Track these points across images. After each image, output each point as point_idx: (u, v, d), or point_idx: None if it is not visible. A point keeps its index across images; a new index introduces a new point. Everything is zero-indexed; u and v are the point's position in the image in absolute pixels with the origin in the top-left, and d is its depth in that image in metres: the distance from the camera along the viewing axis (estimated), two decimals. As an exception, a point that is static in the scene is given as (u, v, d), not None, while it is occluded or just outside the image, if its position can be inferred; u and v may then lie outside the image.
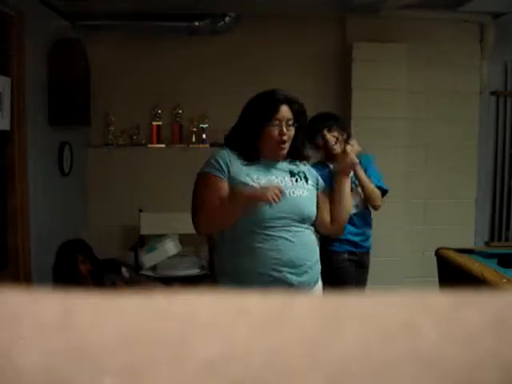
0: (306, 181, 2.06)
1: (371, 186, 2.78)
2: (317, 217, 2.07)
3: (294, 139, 2.04)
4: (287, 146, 2.02)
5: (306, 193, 2.02)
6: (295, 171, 2.06)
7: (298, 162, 2.12)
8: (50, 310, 0.22)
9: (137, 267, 3.75)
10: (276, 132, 1.98)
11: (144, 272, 3.70)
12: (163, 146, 4.17)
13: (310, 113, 4.47)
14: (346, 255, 2.78)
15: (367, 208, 2.99)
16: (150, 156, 4.20)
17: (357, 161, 2.22)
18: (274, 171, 2.01)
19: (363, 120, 4.03)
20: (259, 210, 1.90)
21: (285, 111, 2.01)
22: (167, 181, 4.14)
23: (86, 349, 0.21)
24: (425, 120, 4.20)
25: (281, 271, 1.90)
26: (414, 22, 4.11)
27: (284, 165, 2.07)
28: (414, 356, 0.21)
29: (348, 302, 0.25)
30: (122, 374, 0.20)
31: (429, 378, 0.20)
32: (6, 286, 0.24)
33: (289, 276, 1.90)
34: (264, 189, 1.87)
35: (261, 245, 1.90)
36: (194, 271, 3.77)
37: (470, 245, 3.79)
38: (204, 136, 4.18)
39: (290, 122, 2.01)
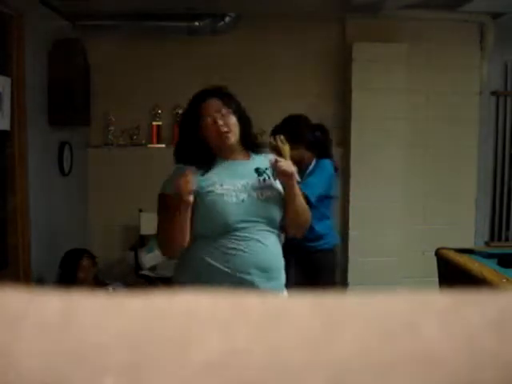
0: (275, 179, 1.96)
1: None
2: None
3: (241, 130, 1.96)
4: (232, 135, 1.92)
5: (274, 193, 1.94)
6: (262, 168, 1.96)
7: (262, 156, 2.02)
8: (50, 309, 0.22)
9: (137, 267, 3.75)
10: (211, 126, 1.91)
11: (144, 272, 3.71)
12: (163, 145, 4.17)
13: (311, 113, 4.48)
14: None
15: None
16: (150, 156, 4.20)
17: (289, 171, 1.92)
18: (239, 172, 1.93)
19: (363, 120, 4.03)
20: (229, 213, 1.84)
21: (212, 104, 1.93)
22: (167, 181, 4.14)
23: (87, 349, 0.21)
24: (425, 120, 4.20)
25: (250, 274, 1.84)
26: (414, 22, 4.11)
27: (249, 162, 1.98)
28: (414, 356, 0.21)
29: (348, 301, 0.25)
30: (123, 374, 0.20)
31: (429, 377, 0.20)
32: (5, 286, 0.24)
33: (257, 279, 1.84)
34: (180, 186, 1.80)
35: (232, 246, 1.85)
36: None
37: (470, 245, 3.79)
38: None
39: (224, 111, 1.92)
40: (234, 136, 1.93)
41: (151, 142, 4.21)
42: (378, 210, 4.10)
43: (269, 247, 1.89)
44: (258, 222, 1.88)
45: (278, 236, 1.99)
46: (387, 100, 4.02)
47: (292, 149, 2.48)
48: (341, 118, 4.25)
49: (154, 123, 4.20)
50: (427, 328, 0.22)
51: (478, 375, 0.20)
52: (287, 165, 1.92)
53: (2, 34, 2.97)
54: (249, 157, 2.00)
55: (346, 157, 4.19)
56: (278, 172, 1.90)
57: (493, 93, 4.30)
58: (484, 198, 4.36)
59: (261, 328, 0.22)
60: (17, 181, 3.06)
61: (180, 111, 4.21)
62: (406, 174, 4.13)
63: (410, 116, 4.11)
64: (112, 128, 4.19)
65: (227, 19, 3.99)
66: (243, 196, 1.87)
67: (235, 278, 1.83)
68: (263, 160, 2.00)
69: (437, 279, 2.84)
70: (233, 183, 1.89)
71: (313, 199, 2.68)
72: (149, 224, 4.02)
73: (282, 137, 2.44)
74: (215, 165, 1.93)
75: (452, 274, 2.63)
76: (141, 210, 4.06)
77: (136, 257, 3.79)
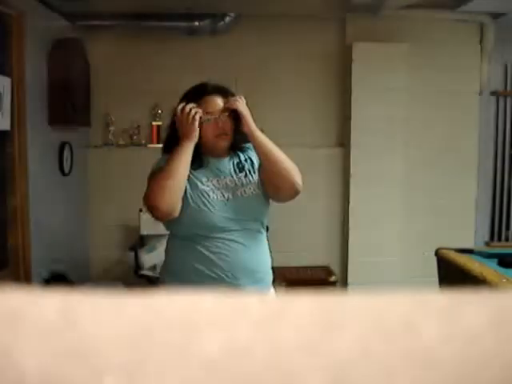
0: (254, 171, 1.90)
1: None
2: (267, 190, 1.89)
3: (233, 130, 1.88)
4: (228, 139, 1.86)
5: (256, 190, 1.87)
6: (242, 163, 1.90)
7: (243, 153, 1.95)
8: (50, 309, 0.22)
9: (137, 267, 3.75)
10: (211, 124, 1.82)
11: (144, 272, 3.70)
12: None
13: (311, 113, 4.47)
14: None
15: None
16: (150, 156, 4.19)
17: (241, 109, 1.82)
18: (221, 169, 1.86)
19: (363, 120, 4.03)
20: (210, 213, 1.79)
21: (216, 101, 1.84)
22: (167, 181, 4.13)
23: (87, 349, 0.21)
24: (425, 120, 4.20)
25: (236, 277, 1.79)
26: (414, 22, 4.11)
27: (231, 158, 1.91)
28: (414, 356, 0.21)
29: (348, 301, 0.25)
30: (123, 373, 0.20)
31: (429, 378, 0.20)
32: (5, 286, 0.24)
33: (243, 282, 1.79)
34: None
35: (217, 249, 1.79)
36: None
37: (469, 245, 3.79)
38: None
39: (226, 112, 1.83)
40: (229, 140, 1.86)
41: (151, 142, 4.21)
42: (378, 210, 4.10)
43: (255, 248, 1.86)
44: (243, 220, 1.83)
45: (265, 234, 1.95)
46: (387, 100, 4.02)
47: None
48: (341, 117, 4.25)
49: (154, 123, 4.20)
50: (427, 328, 0.22)
51: (478, 375, 0.20)
52: (241, 104, 1.82)
53: (2, 34, 2.97)
54: (229, 152, 1.92)
55: (346, 157, 4.19)
56: (231, 109, 1.81)
57: (493, 93, 4.30)
58: (484, 198, 4.36)
59: (261, 328, 0.22)
60: (17, 181, 3.06)
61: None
62: (405, 173, 4.13)
63: (410, 116, 4.11)
64: (112, 128, 4.18)
65: (227, 19, 3.99)
66: (228, 195, 1.83)
67: (221, 282, 1.78)
68: (243, 155, 1.94)
69: (437, 279, 2.84)
70: (217, 180, 1.84)
71: None
72: (149, 224, 4.01)
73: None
74: (200, 162, 1.86)
75: (452, 274, 2.63)
76: (141, 210, 4.06)
77: (136, 257, 3.79)
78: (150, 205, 1.78)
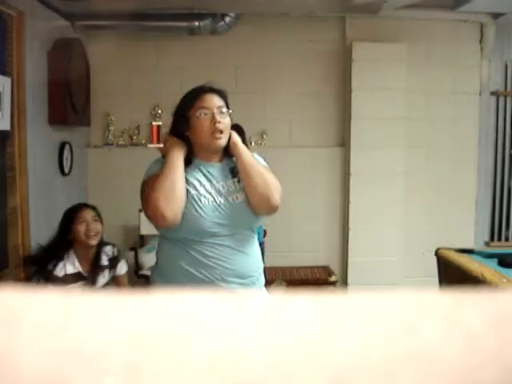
0: None
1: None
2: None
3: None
4: (224, 136, 1.83)
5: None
6: (236, 168, 1.89)
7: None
8: (50, 310, 0.22)
9: (137, 267, 3.75)
10: (207, 121, 1.81)
11: (144, 272, 3.71)
12: (163, 146, 4.16)
13: (311, 113, 4.47)
14: None
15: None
16: (150, 156, 4.19)
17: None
18: (215, 175, 1.86)
19: (363, 120, 4.03)
20: (206, 217, 1.78)
21: (212, 99, 1.83)
22: (167, 181, 4.14)
23: (87, 349, 0.21)
24: (425, 120, 4.20)
25: (227, 281, 1.79)
26: (413, 22, 4.12)
27: (224, 164, 1.90)
28: (414, 356, 0.21)
29: (348, 302, 0.25)
30: (123, 373, 0.20)
31: (429, 378, 0.20)
32: (6, 286, 0.24)
33: (234, 286, 1.79)
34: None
35: (209, 253, 1.79)
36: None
37: (469, 245, 3.79)
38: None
39: (224, 110, 1.83)
40: (225, 138, 1.85)
41: (151, 142, 4.21)
42: (378, 210, 4.10)
43: (246, 253, 1.85)
44: (235, 225, 1.82)
45: (256, 237, 1.95)
46: (387, 100, 4.02)
47: None
48: (341, 118, 4.25)
49: (154, 123, 4.20)
50: (427, 328, 0.22)
51: (478, 375, 0.20)
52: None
53: (2, 34, 2.97)
54: (223, 158, 1.92)
55: (346, 157, 4.19)
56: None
57: (493, 93, 4.30)
58: (484, 198, 4.36)
59: (261, 328, 0.22)
60: (17, 181, 3.06)
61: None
62: (405, 173, 4.13)
63: (410, 116, 4.11)
64: (112, 128, 4.18)
65: (227, 19, 3.99)
66: (220, 199, 1.82)
67: (211, 284, 1.79)
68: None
69: (437, 279, 2.85)
70: (210, 186, 1.83)
71: None
72: (149, 224, 4.00)
73: None
74: (192, 165, 1.86)
75: (452, 274, 2.63)
76: (141, 210, 4.06)
77: (136, 257, 3.79)
78: (156, 215, 1.78)
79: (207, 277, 1.79)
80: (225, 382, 0.20)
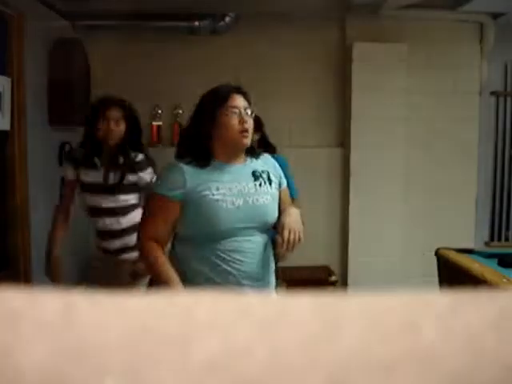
0: (270, 183, 1.91)
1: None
2: None
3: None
4: (249, 136, 1.86)
5: (269, 199, 1.88)
6: (259, 172, 1.91)
7: (259, 160, 1.96)
8: (50, 309, 0.22)
9: (137, 267, 3.74)
10: (236, 120, 1.83)
11: (144, 272, 3.70)
12: (163, 146, 4.17)
13: (311, 113, 4.47)
14: None
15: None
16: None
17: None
18: (236, 176, 1.86)
19: (363, 120, 4.03)
20: (223, 219, 1.78)
21: (240, 99, 1.86)
22: (167, 181, 4.14)
23: (87, 349, 0.21)
24: (425, 120, 4.20)
25: (240, 284, 1.80)
26: (414, 22, 4.12)
27: (246, 166, 1.91)
28: (413, 356, 0.21)
29: (348, 301, 0.25)
30: (124, 373, 0.20)
31: (429, 378, 0.20)
32: (6, 286, 0.24)
33: (247, 289, 1.80)
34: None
35: (221, 255, 1.80)
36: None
37: (469, 245, 3.79)
38: (204, 136, 4.18)
39: (248, 111, 1.86)
40: (250, 139, 1.87)
41: (151, 142, 4.21)
42: (378, 210, 4.10)
43: (261, 255, 1.86)
44: (251, 228, 1.83)
45: (269, 242, 1.94)
46: (387, 100, 4.02)
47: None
48: (341, 118, 4.25)
49: (154, 123, 4.20)
50: (427, 328, 0.22)
51: (478, 375, 0.20)
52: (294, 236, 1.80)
53: (2, 34, 2.97)
54: (245, 160, 1.93)
55: (346, 157, 4.19)
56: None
57: (493, 93, 4.30)
58: (484, 198, 4.36)
59: (261, 328, 0.22)
60: (17, 181, 3.06)
61: (180, 111, 4.22)
62: (405, 173, 4.13)
63: (410, 116, 4.11)
64: (112, 128, 4.18)
65: (227, 19, 3.99)
66: (239, 202, 1.82)
67: (226, 287, 1.78)
68: (259, 163, 1.95)
69: (437, 279, 2.85)
70: (229, 188, 1.82)
71: (296, 196, 2.71)
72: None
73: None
74: (211, 167, 1.86)
75: (452, 274, 2.63)
76: (141, 210, 4.06)
77: (136, 257, 3.78)
78: (139, 244, 1.89)
79: (221, 279, 1.79)
80: (225, 382, 0.20)
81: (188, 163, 1.85)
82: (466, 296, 0.24)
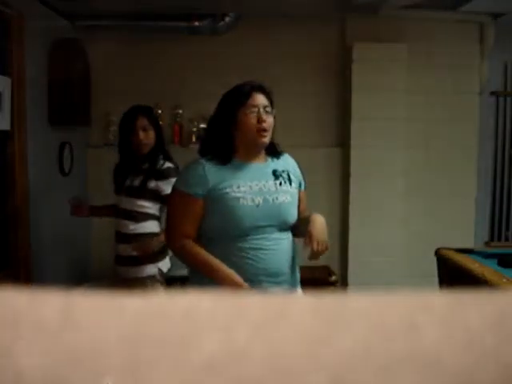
0: (290, 183, 1.94)
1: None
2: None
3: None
4: (268, 135, 1.87)
5: (289, 198, 1.90)
6: (279, 171, 1.93)
7: (280, 160, 1.98)
8: (50, 310, 0.22)
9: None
10: (254, 119, 1.84)
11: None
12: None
13: (311, 113, 4.47)
14: None
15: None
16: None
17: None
18: (256, 175, 1.88)
19: (363, 120, 4.03)
20: (244, 217, 1.81)
21: (260, 98, 1.87)
22: (167, 181, 4.14)
23: (86, 349, 0.21)
24: (425, 120, 4.20)
25: (260, 280, 1.83)
26: (414, 22, 4.11)
27: (266, 165, 1.93)
28: (414, 356, 0.21)
29: (348, 301, 0.25)
30: (123, 374, 0.20)
31: (429, 377, 0.20)
32: (6, 286, 0.24)
33: (266, 285, 1.83)
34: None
35: (240, 253, 1.83)
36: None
37: (469, 245, 3.79)
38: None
39: (268, 110, 1.87)
40: (269, 137, 1.89)
41: (151, 142, 4.21)
42: (378, 210, 4.10)
43: (281, 253, 1.89)
44: (271, 226, 1.85)
45: (291, 239, 1.97)
46: (387, 100, 4.02)
47: None
48: (341, 117, 4.25)
49: (154, 123, 4.20)
50: (427, 328, 0.22)
51: (478, 375, 0.20)
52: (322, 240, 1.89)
53: (2, 34, 2.96)
54: (266, 159, 1.95)
55: (345, 157, 4.19)
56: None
57: (493, 93, 4.30)
58: (484, 198, 4.36)
59: (261, 328, 0.22)
60: (17, 181, 3.06)
61: (180, 111, 4.22)
62: (405, 173, 4.13)
63: (410, 116, 4.10)
64: (112, 128, 4.18)
65: (227, 19, 3.99)
66: (259, 200, 1.84)
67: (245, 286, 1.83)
68: (280, 162, 1.97)
69: (437, 279, 2.84)
70: (249, 186, 1.84)
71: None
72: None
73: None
74: (232, 165, 1.88)
75: (452, 274, 2.63)
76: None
77: (136, 257, 3.78)
78: (169, 245, 1.99)
79: (241, 276, 1.81)
80: (225, 382, 0.20)
81: (209, 160, 1.88)
82: (466, 296, 0.24)
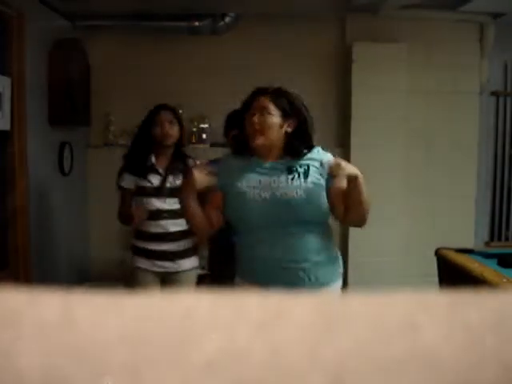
0: (306, 177, 1.91)
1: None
2: (333, 212, 1.98)
3: (292, 134, 1.94)
4: (261, 137, 1.91)
5: (301, 193, 1.87)
6: (295, 167, 1.93)
7: (306, 155, 1.98)
8: (50, 309, 0.22)
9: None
10: (249, 122, 1.92)
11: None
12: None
13: (312, 113, 4.46)
14: None
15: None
16: (150, 156, 4.19)
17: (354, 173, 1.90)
18: (267, 171, 1.93)
19: (363, 120, 4.03)
20: (246, 211, 1.90)
21: (261, 100, 1.91)
22: (167, 181, 4.13)
23: (87, 349, 0.21)
24: (425, 120, 4.20)
25: (267, 275, 1.90)
26: (413, 22, 4.11)
27: (280, 163, 1.95)
28: (414, 356, 0.21)
29: (348, 301, 0.25)
30: (123, 373, 0.20)
31: (429, 377, 0.20)
32: (5, 286, 0.24)
33: (270, 282, 1.86)
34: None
35: (250, 246, 1.93)
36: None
37: (469, 245, 3.79)
38: (204, 136, 4.18)
39: (269, 111, 1.90)
40: (265, 138, 1.91)
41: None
42: (378, 210, 4.09)
43: (292, 247, 1.89)
44: (279, 220, 1.87)
45: (312, 234, 1.93)
46: (387, 100, 4.02)
47: None
48: (341, 118, 4.25)
49: (154, 123, 4.20)
50: (427, 328, 0.22)
51: (478, 375, 0.20)
52: (349, 167, 1.90)
53: (2, 34, 2.96)
54: (282, 158, 1.96)
55: (346, 157, 4.19)
56: (340, 175, 1.88)
57: (493, 93, 4.30)
58: (484, 198, 4.36)
59: (261, 328, 0.22)
60: (17, 181, 3.06)
61: (180, 111, 4.21)
62: (405, 173, 4.13)
63: (410, 116, 4.10)
64: (112, 128, 4.18)
65: (227, 19, 3.99)
66: (265, 195, 1.87)
67: (252, 281, 1.93)
68: (304, 159, 1.97)
69: (437, 279, 2.84)
70: (258, 180, 1.91)
71: None
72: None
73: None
74: (247, 161, 1.97)
75: (452, 274, 2.63)
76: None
77: (136, 257, 3.78)
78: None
79: (251, 269, 1.95)
80: (225, 382, 0.20)
81: (229, 155, 2.05)
82: (466, 296, 0.24)
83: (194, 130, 4.20)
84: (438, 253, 2.81)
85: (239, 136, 2.01)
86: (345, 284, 4.14)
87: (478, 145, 4.27)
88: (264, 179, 1.91)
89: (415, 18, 4.09)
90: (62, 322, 0.22)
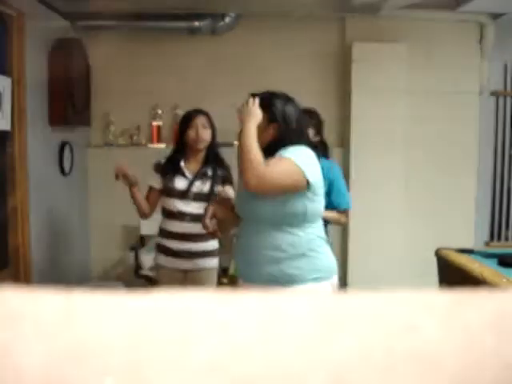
0: None
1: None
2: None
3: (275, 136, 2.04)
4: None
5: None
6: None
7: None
8: (50, 309, 0.22)
9: (137, 267, 3.75)
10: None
11: (144, 272, 3.71)
12: (163, 146, 4.17)
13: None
14: None
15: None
16: (150, 156, 4.19)
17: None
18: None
19: (363, 120, 4.03)
20: (236, 205, 2.04)
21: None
22: (167, 181, 4.14)
23: (87, 348, 0.21)
24: (424, 120, 4.20)
25: (241, 270, 2.02)
26: (413, 22, 4.11)
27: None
28: (414, 356, 0.21)
29: (348, 301, 0.25)
30: (124, 373, 0.20)
31: (429, 377, 0.20)
32: (6, 286, 0.24)
33: (253, 279, 1.90)
34: None
35: (238, 240, 2.04)
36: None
37: (469, 245, 3.79)
38: (204, 136, 4.18)
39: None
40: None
41: (151, 142, 4.21)
42: (378, 210, 4.10)
43: (255, 246, 1.89)
44: (250, 218, 1.93)
45: (276, 233, 1.87)
46: (387, 100, 4.02)
47: None
48: (341, 118, 4.25)
49: (154, 123, 4.20)
50: (427, 328, 0.22)
51: (478, 375, 0.20)
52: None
53: (3, 34, 2.97)
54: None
55: (346, 157, 4.19)
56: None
57: (493, 93, 4.30)
58: (484, 198, 4.36)
59: (261, 328, 0.22)
60: (17, 181, 3.06)
61: (180, 111, 4.22)
62: (405, 173, 4.13)
63: (410, 116, 4.10)
64: (112, 128, 4.18)
65: (227, 19, 3.99)
66: (242, 189, 1.93)
67: (241, 275, 2.05)
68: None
69: (437, 279, 2.84)
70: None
71: (350, 206, 2.98)
72: (149, 224, 4.02)
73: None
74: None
75: (452, 274, 2.63)
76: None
77: (136, 257, 3.79)
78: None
79: (239, 265, 2.04)
80: (225, 382, 0.20)
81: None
82: (466, 296, 0.24)
83: (194, 130, 4.20)
84: (437, 253, 2.81)
85: None
86: (345, 284, 4.16)
87: (477, 145, 4.27)
88: None
89: (415, 18, 4.09)
90: (62, 322, 0.22)
